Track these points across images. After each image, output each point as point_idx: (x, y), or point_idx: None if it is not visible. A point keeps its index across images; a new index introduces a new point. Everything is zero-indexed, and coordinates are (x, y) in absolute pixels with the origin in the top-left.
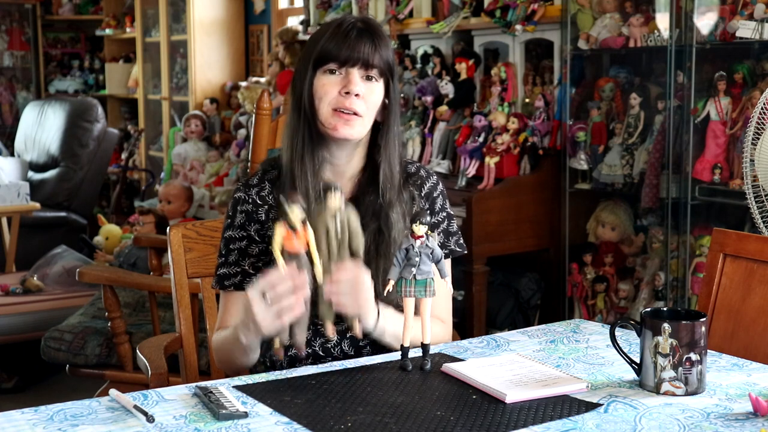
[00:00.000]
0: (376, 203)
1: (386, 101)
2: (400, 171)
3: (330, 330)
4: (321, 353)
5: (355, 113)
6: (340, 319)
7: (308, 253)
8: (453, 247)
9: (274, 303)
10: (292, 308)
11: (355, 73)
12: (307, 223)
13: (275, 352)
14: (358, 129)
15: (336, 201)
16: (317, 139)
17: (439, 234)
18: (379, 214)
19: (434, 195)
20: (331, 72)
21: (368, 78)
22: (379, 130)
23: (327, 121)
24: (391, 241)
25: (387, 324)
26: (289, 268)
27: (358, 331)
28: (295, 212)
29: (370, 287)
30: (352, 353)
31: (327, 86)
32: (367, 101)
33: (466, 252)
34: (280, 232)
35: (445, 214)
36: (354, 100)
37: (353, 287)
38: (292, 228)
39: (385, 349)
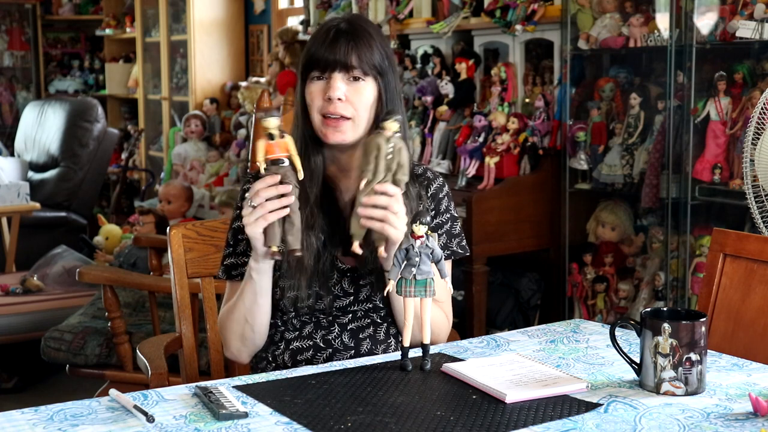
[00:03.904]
0: None
1: (384, 98)
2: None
3: (356, 246)
4: (322, 344)
5: (343, 116)
6: (354, 315)
7: (294, 169)
8: (455, 248)
9: (258, 206)
10: (276, 210)
11: (337, 77)
12: (286, 134)
13: (271, 255)
14: (350, 133)
15: (393, 125)
16: (313, 145)
17: (442, 235)
18: None
19: (440, 196)
20: (318, 78)
21: (355, 78)
22: (377, 127)
23: (319, 129)
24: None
25: None
26: (272, 175)
27: (382, 251)
28: (271, 122)
29: (403, 216)
30: (352, 345)
31: (314, 93)
32: (354, 102)
33: (468, 254)
34: (261, 143)
35: (449, 215)
36: (338, 105)
37: (387, 207)
38: (271, 136)
39: (383, 345)
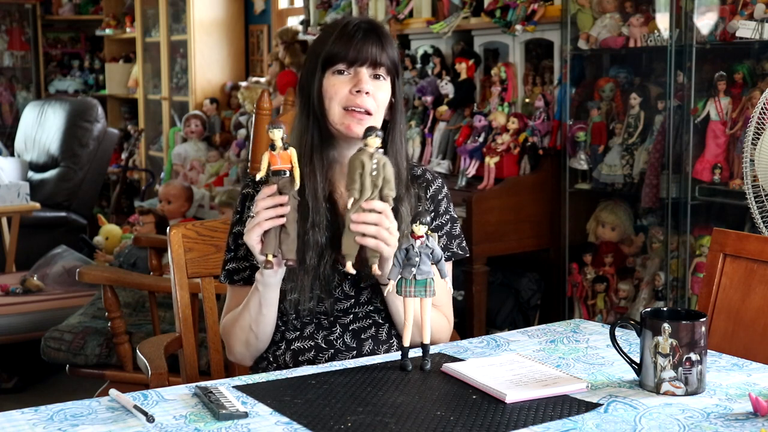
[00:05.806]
0: None
1: (393, 99)
2: (407, 168)
3: (349, 267)
4: (323, 345)
5: (367, 111)
6: (356, 316)
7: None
8: (455, 249)
9: (255, 215)
10: (272, 219)
11: (365, 72)
12: (291, 148)
13: (266, 264)
14: None
15: (375, 141)
16: (326, 140)
17: (442, 236)
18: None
19: (439, 197)
20: (340, 72)
21: (376, 77)
22: (386, 128)
23: (339, 121)
24: (400, 233)
25: None
26: (270, 186)
27: (376, 268)
28: (275, 133)
29: (395, 231)
30: (354, 345)
31: (337, 86)
32: (377, 99)
33: (468, 255)
34: (265, 155)
35: (448, 216)
36: (365, 98)
37: (378, 223)
38: (274, 148)
39: (385, 346)
